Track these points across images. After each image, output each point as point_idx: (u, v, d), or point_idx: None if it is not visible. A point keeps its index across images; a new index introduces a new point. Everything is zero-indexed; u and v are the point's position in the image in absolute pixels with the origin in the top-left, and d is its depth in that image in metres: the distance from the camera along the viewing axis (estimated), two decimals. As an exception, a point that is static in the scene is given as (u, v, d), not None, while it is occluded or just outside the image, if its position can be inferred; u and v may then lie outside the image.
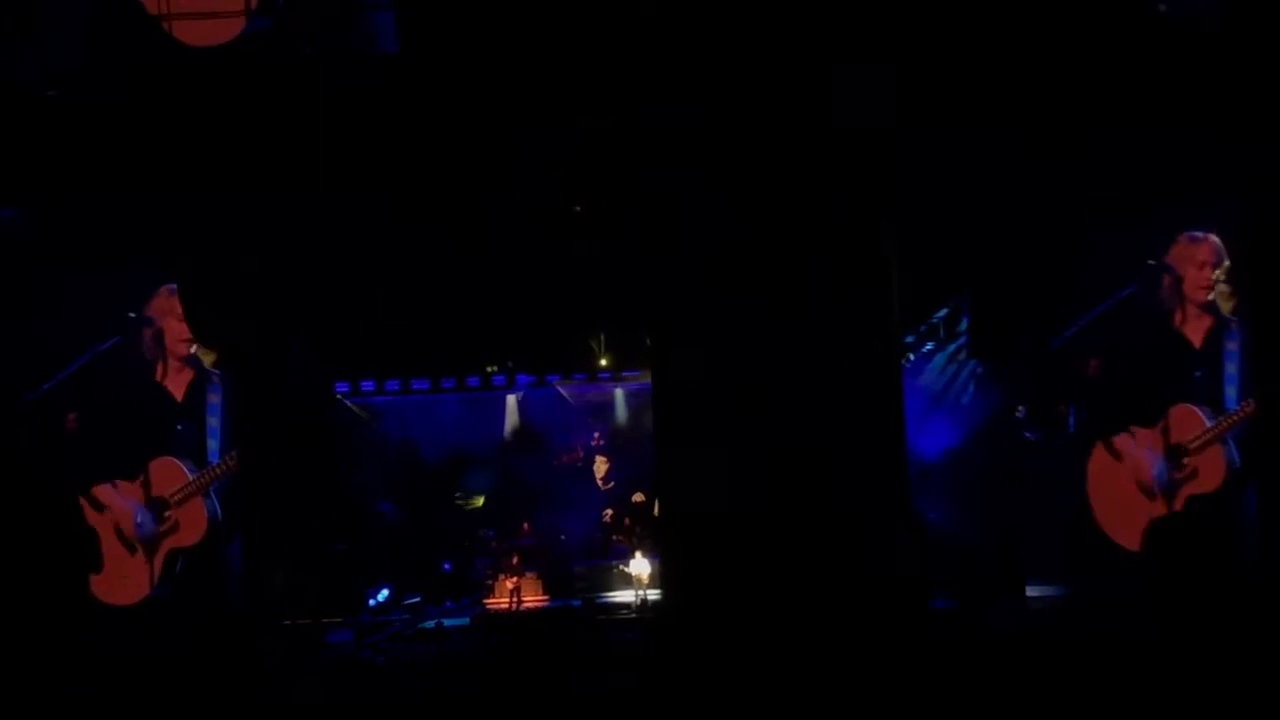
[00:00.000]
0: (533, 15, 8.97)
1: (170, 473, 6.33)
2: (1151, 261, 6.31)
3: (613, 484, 13.46)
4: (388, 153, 9.64)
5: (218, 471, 6.34)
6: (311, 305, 11.22)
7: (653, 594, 11.98)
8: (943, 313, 11.74)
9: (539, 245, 10.70)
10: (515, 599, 12.49)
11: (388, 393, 13.29)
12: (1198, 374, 6.29)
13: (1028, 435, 9.41)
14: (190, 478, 6.29)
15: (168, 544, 6.29)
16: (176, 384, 6.51)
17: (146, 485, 6.34)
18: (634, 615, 11.74)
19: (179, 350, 6.50)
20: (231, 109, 9.08)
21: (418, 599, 12.41)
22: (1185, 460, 6.24)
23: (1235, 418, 6.18)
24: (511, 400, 13.74)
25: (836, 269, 8.83)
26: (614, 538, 13.10)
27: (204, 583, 6.36)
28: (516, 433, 13.86)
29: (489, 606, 12.51)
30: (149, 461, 6.36)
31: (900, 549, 8.90)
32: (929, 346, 12.01)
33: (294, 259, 10.38)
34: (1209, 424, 6.18)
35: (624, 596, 12.38)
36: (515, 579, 12.62)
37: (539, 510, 13.32)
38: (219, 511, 6.34)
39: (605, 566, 12.88)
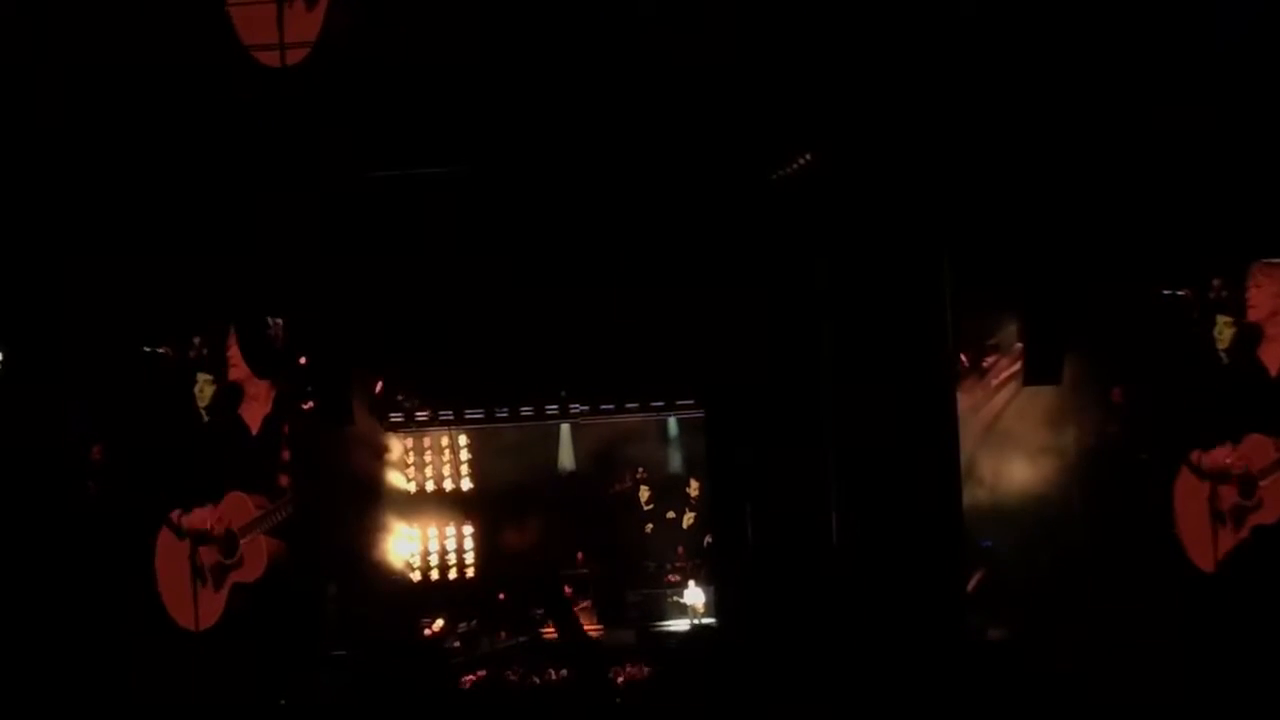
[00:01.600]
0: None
1: (240, 507, 6.37)
2: (1173, 291, 6.28)
3: (653, 507, 13.56)
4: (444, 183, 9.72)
5: (284, 509, 6.34)
6: (368, 336, 11.32)
7: (707, 623, 11.98)
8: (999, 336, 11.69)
9: (595, 277, 10.73)
10: (570, 629, 12.49)
11: (441, 421, 13.30)
12: (1272, 402, 6.21)
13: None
14: (256, 513, 6.32)
15: (233, 577, 6.31)
16: (253, 416, 6.56)
17: (221, 517, 6.38)
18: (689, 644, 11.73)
19: (252, 384, 6.56)
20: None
21: (472, 627, 12.43)
22: (1255, 490, 6.17)
23: None
24: (565, 430, 13.74)
25: (892, 299, 8.86)
26: (668, 567, 13.09)
27: (267, 616, 6.36)
28: (570, 462, 13.85)
29: (544, 635, 12.52)
30: (225, 493, 6.40)
31: (949, 577, 8.89)
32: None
33: (351, 288, 10.48)
34: (1276, 454, 6.10)
35: (678, 626, 12.38)
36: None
37: (593, 539, 13.35)
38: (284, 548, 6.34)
39: (659, 595, 12.87)
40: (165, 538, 6.49)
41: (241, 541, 6.26)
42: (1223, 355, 8.52)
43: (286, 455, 6.35)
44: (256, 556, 6.26)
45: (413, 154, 9.41)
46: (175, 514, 6.49)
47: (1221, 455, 6.27)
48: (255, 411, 6.56)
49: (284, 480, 6.28)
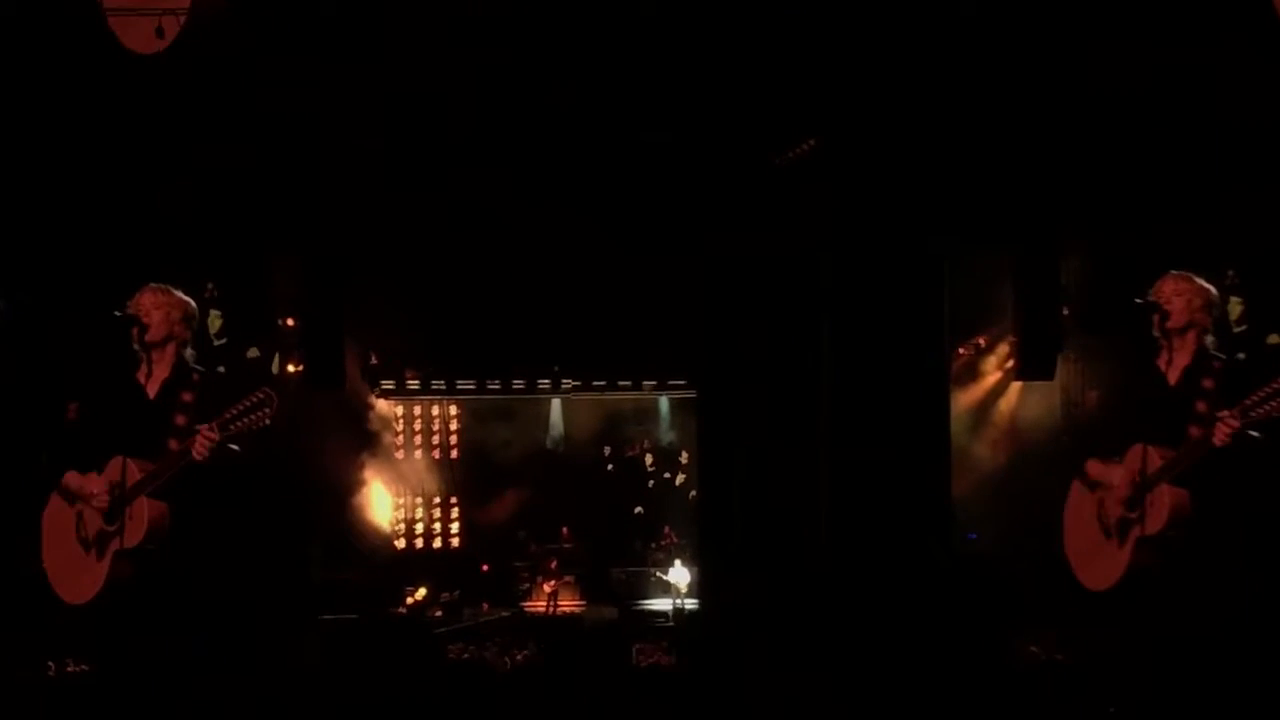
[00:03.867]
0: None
1: (125, 471, 6.22)
2: (1139, 300, 6.17)
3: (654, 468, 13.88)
4: (442, 161, 9.70)
5: (166, 470, 6.20)
6: (361, 303, 11.31)
7: (690, 603, 12.01)
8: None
9: (591, 255, 10.73)
10: (552, 603, 12.52)
11: (433, 391, 13.31)
12: (1168, 413, 6.12)
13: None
14: (140, 476, 6.19)
15: (114, 545, 6.19)
16: (153, 381, 6.42)
17: (109, 483, 6.25)
18: (670, 624, 11.75)
19: (158, 349, 6.43)
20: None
21: (455, 598, 12.44)
22: (1141, 501, 6.09)
23: (1183, 456, 6.00)
24: (556, 404, 13.77)
25: (891, 288, 8.85)
26: (653, 545, 13.12)
27: (153, 584, 6.25)
28: (562, 436, 13.90)
29: (526, 609, 12.55)
30: (110, 458, 6.26)
31: (933, 565, 8.91)
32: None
33: (343, 256, 10.47)
34: (1162, 463, 6.02)
35: (661, 605, 12.41)
36: (553, 583, 12.65)
37: (581, 514, 13.39)
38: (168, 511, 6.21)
39: (643, 573, 12.90)
40: (54, 504, 6.38)
41: (126, 507, 6.12)
42: (1233, 327, 8.46)
43: (181, 420, 6.20)
44: (138, 521, 6.13)
45: (410, 125, 9.38)
46: (69, 478, 6.35)
47: (1110, 467, 6.21)
48: (156, 375, 6.40)
49: (174, 445, 6.13)
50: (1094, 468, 6.20)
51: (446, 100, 9.19)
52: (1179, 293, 6.13)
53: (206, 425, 6.05)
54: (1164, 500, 5.95)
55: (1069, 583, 6.47)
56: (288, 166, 9.45)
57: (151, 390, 6.38)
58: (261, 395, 6.06)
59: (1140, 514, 6.01)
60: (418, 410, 13.80)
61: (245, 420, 6.04)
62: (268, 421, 6.08)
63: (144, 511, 6.11)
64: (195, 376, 6.33)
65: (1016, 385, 11.39)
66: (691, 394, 12.06)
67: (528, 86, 9.13)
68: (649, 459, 14.04)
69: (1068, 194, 9.28)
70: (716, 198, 9.43)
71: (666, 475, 13.98)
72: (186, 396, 6.25)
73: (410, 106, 9.18)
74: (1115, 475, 6.10)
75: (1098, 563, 6.19)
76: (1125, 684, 6.12)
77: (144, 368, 6.35)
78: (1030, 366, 10.59)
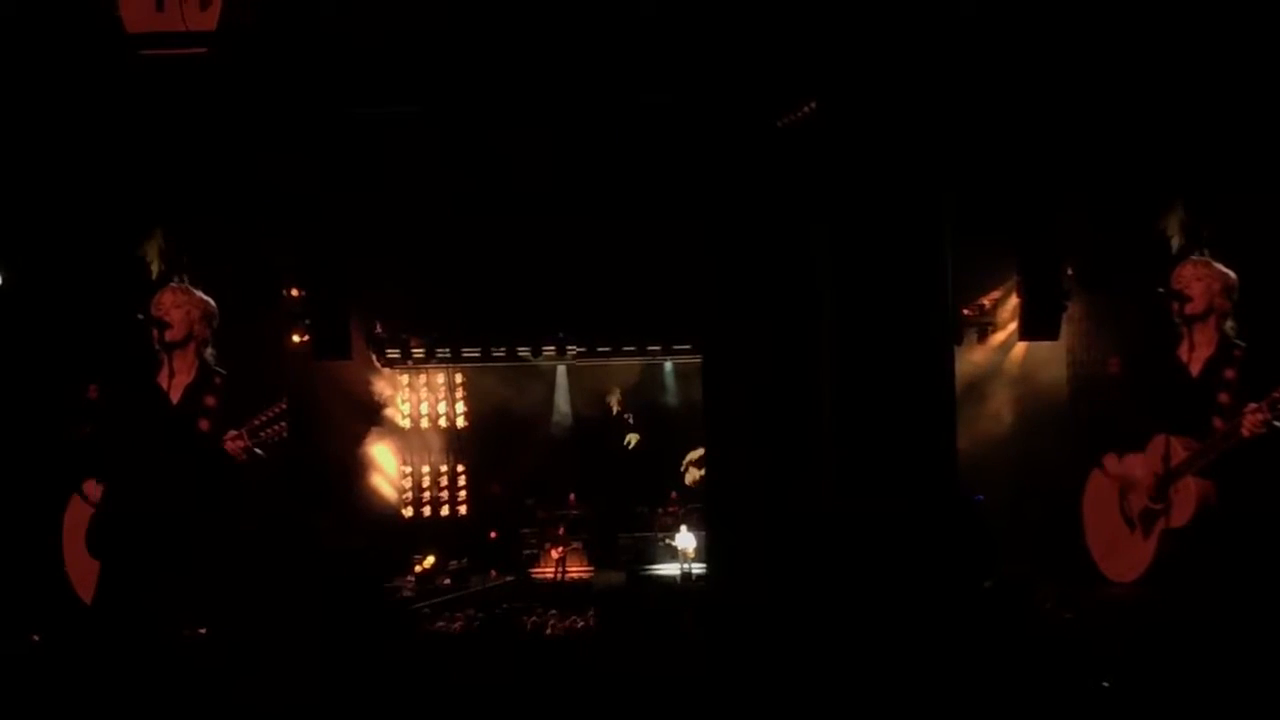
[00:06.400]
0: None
1: None
2: (1160, 289, 6.12)
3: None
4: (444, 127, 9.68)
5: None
6: (368, 271, 11.31)
7: (698, 568, 12.04)
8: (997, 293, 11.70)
9: (596, 220, 10.72)
10: (560, 569, 12.56)
11: (438, 359, 13.32)
12: (1190, 404, 6.07)
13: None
14: None
15: None
16: (175, 386, 6.44)
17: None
18: (679, 588, 11.80)
19: (179, 349, 6.44)
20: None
21: (463, 565, 12.48)
22: (1166, 493, 6.05)
23: (1210, 448, 5.95)
24: (562, 370, 13.78)
25: (894, 249, 8.83)
26: (660, 510, 13.14)
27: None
28: (568, 402, 13.90)
29: (534, 575, 12.59)
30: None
31: (944, 527, 8.91)
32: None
33: (348, 223, 10.46)
34: (1187, 454, 5.97)
35: (669, 569, 12.44)
36: (560, 549, 12.68)
37: (588, 480, 13.41)
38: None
39: (651, 539, 12.93)
40: (79, 509, 6.45)
41: None
42: None
43: (205, 425, 6.24)
44: None
45: (413, 89, 9.35)
46: (89, 484, 6.42)
47: (1132, 459, 6.15)
48: (178, 380, 6.42)
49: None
50: (1111, 461, 6.15)
51: (446, 60, 9.16)
52: (1198, 278, 6.07)
53: (235, 432, 6.10)
54: (1190, 492, 5.89)
55: (1078, 552, 6.46)
56: (288, 137, 9.45)
57: (175, 394, 6.38)
58: (282, 407, 6.13)
59: (1165, 505, 5.95)
60: (423, 379, 13.81)
61: (271, 430, 6.11)
62: (285, 435, 6.16)
63: None
64: (217, 379, 6.33)
65: (1022, 345, 11.37)
66: (696, 359, 12.09)
67: (528, 47, 9.08)
68: (650, 424, 14.03)
69: (1070, 156, 9.27)
70: (722, 159, 9.40)
71: (670, 439, 13.96)
72: (210, 400, 6.27)
73: (413, 69, 9.15)
74: (1137, 466, 6.05)
75: (1121, 554, 6.16)
76: (1133, 644, 6.12)
77: (165, 370, 6.34)
78: (1034, 326, 10.58)
